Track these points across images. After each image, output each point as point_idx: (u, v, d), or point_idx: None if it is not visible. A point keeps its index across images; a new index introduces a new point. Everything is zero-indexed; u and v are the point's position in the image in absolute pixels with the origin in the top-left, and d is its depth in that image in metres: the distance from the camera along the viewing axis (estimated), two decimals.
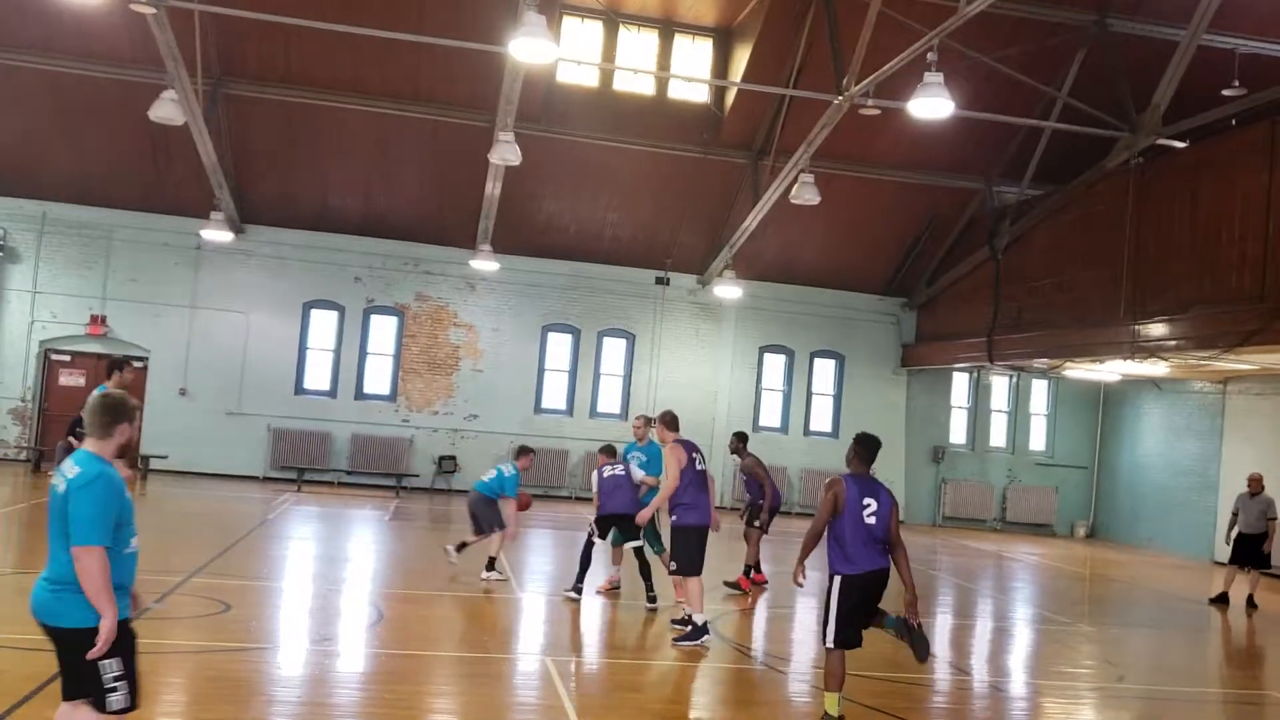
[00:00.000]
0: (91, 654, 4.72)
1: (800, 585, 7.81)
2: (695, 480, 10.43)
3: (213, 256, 23.71)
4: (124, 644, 4.89)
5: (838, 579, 7.51)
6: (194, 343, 23.71)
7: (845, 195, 22.89)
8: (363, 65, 20.47)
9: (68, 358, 23.55)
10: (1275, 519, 16.24)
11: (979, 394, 27.30)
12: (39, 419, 23.29)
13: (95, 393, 5.29)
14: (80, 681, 4.85)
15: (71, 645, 4.80)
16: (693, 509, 10.35)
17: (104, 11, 17.73)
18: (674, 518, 10.45)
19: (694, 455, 10.51)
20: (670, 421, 10.92)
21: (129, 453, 5.00)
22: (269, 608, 11.23)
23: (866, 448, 7.72)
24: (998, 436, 27.46)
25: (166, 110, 17.12)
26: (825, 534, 7.62)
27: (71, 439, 21.98)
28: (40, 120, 21.38)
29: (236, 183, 22.56)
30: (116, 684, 4.83)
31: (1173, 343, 17.65)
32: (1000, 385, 27.50)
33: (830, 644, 7.54)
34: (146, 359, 23.53)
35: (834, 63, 17.60)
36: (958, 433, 27.24)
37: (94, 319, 23.28)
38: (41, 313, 23.22)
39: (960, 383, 27.34)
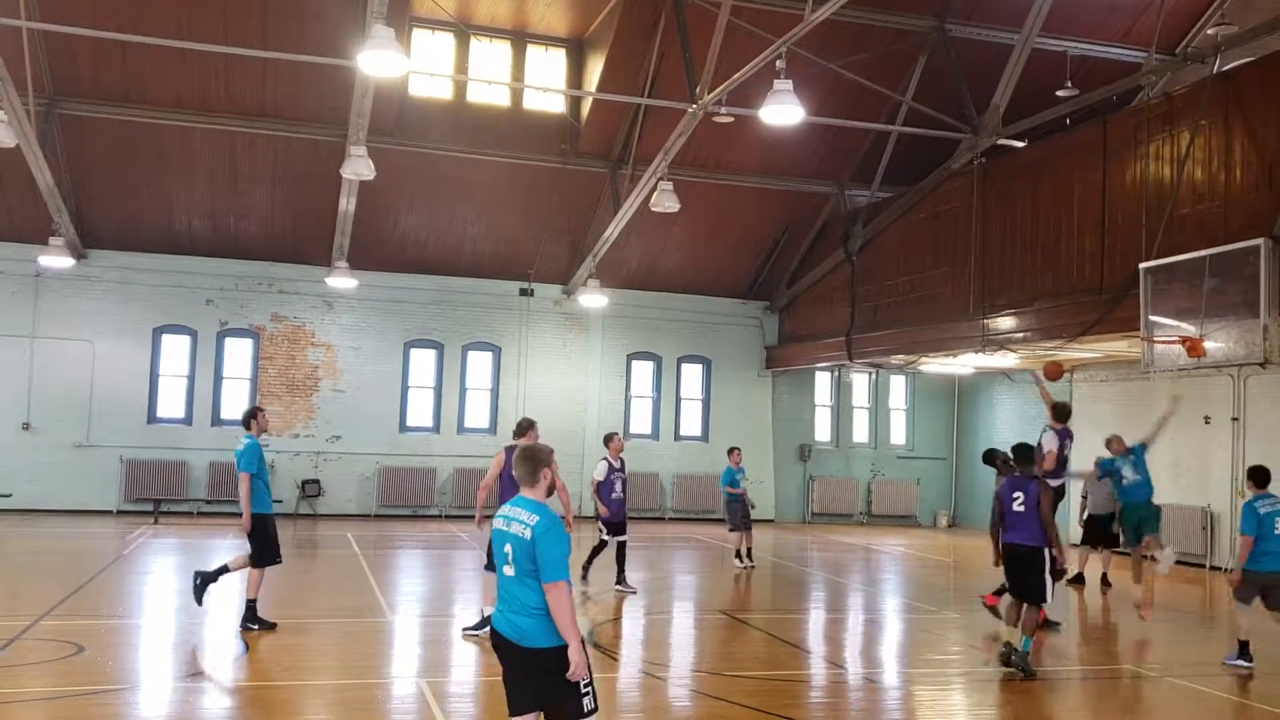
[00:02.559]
0: (574, 675, 5.30)
1: (996, 565, 10.75)
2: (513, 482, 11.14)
3: (53, 284, 22.65)
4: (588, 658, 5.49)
5: None
6: (37, 374, 22.57)
7: (704, 202, 23.16)
8: (207, 82, 19.83)
9: None
10: None
11: (841, 392, 27.89)
12: None
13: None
14: (560, 691, 5.38)
15: (549, 662, 5.35)
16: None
17: None
18: None
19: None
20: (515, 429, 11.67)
21: (553, 492, 5.41)
22: (127, 646, 10.75)
23: (1006, 461, 11.14)
24: (860, 432, 28.10)
25: None
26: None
27: None
28: None
29: (76, 206, 21.59)
30: (588, 690, 5.39)
31: (1020, 334, 18.35)
32: (860, 383, 28.17)
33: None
34: None
35: (686, 72, 17.80)
36: (822, 430, 27.80)
37: None
38: None
39: (823, 382, 27.93)
